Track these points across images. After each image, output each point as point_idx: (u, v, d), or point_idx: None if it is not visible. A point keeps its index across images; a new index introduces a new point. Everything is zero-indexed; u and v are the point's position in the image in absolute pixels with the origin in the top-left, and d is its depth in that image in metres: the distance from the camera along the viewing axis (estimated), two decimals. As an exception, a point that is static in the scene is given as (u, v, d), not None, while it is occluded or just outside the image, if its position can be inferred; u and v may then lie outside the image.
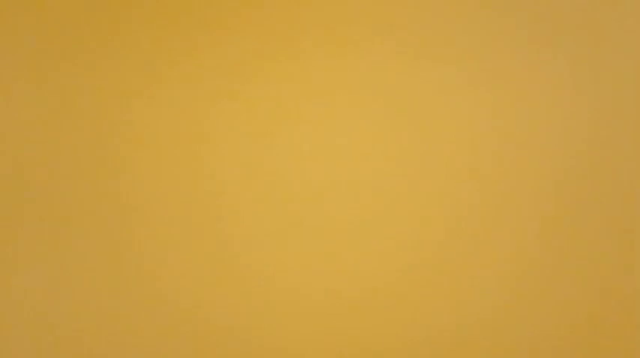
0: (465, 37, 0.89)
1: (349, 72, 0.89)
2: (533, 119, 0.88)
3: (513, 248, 0.87)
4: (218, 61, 0.89)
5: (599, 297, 0.86)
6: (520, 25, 0.89)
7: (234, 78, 0.89)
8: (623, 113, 0.88)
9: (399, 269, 0.87)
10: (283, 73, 0.89)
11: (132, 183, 0.88)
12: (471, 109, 0.88)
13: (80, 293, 0.87)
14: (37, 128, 0.89)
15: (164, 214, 0.88)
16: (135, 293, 0.87)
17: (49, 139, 0.89)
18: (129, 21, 0.90)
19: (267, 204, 0.88)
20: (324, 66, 0.89)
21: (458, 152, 0.88)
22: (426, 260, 0.87)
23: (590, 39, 0.88)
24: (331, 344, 0.87)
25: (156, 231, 0.88)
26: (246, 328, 0.87)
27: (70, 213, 0.88)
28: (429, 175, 0.88)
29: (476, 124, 0.88)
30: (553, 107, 0.88)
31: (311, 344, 0.87)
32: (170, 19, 0.90)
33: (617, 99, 0.88)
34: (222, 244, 0.88)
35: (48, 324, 0.87)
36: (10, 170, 0.89)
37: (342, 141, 0.88)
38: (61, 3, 0.90)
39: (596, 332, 0.86)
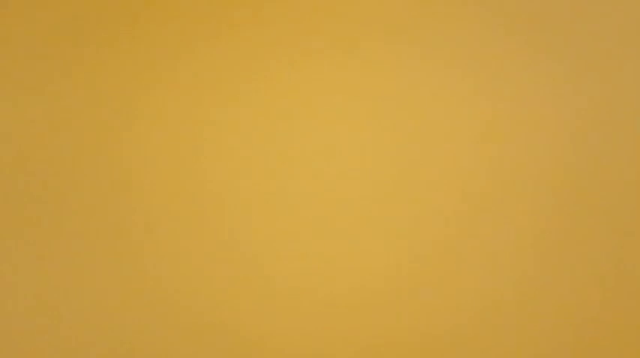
0: (466, 40, 0.89)
1: (352, 74, 0.89)
2: (532, 122, 0.88)
3: (513, 248, 0.87)
4: (220, 62, 0.89)
5: (598, 297, 0.86)
6: (520, 28, 0.89)
7: (237, 79, 0.89)
8: (623, 119, 0.88)
9: (400, 270, 0.87)
10: (287, 75, 0.89)
11: (135, 185, 0.88)
12: (471, 111, 0.88)
13: (82, 293, 0.87)
14: (37, 130, 0.89)
15: (167, 215, 0.88)
16: (136, 293, 0.87)
17: (50, 139, 0.89)
18: (130, 22, 0.90)
19: (269, 204, 0.88)
20: (327, 68, 0.89)
21: (459, 153, 0.88)
22: (429, 260, 0.87)
23: (589, 43, 0.88)
24: (334, 343, 0.87)
25: (158, 232, 0.88)
26: (250, 328, 0.87)
27: (71, 215, 0.88)
28: (431, 177, 0.88)
29: (476, 126, 0.88)
30: (553, 110, 0.88)
31: (314, 343, 0.87)
32: (172, 21, 0.90)
33: (616, 104, 0.88)
34: (224, 244, 0.88)
35: (48, 323, 0.87)
36: (10, 172, 0.89)
37: (344, 143, 0.88)
38: (62, 6, 0.90)
39: (595, 331, 0.86)
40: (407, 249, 0.87)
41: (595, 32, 0.88)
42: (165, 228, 0.88)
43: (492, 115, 0.88)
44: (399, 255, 0.87)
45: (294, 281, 0.87)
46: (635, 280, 0.86)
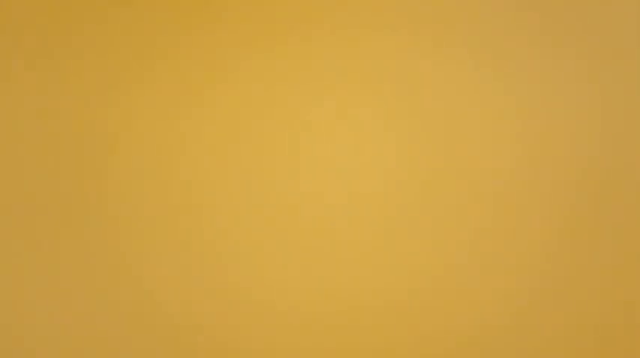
0: (479, 32, 0.88)
1: (357, 67, 0.88)
2: (550, 119, 0.87)
3: (533, 252, 0.87)
4: (212, 53, 0.89)
5: (618, 301, 0.86)
6: (537, 22, 0.88)
7: (227, 73, 0.89)
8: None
9: (410, 278, 0.87)
10: (282, 69, 0.89)
11: (118, 185, 0.88)
12: (484, 108, 0.88)
13: (64, 302, 0.88)
14: (28, 127, 0.89)
15: (151, 219, 0.88)
16: (120, 300, 0.88)
17: (33, 136, 0.89)
18: (115, 16, 0.90)
19: (262, 208, 0.88)
20: (329, 62, 0.88)
21: (473, 152, 0.87)
22: (439, 266, 0.87)
23: (607, 37, 0.88)
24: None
25: (142, 236, 0.88)
26: (247, 342, 0.87)
27: (51, 215, 0.88)
28: (440, 177, 0.87)
29: (488, 125, 0.88)
30: (570, 106, 0.87)
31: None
32: (159, 15, 0.90)
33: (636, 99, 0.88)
34: (212, 252, 0.88)
35: (37, 326, 0.88)
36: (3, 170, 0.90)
37: (347, 143, 0.88)
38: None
39: (615, 337, 0.86)
40: (423, 255, 0.87)
41: (619, 20, 0.88)
42: (153, 231, 0.88)
43: (505, 114, 0.88)
44: (415, 261, 0.87)
45: (286, 291, 0.88)
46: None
